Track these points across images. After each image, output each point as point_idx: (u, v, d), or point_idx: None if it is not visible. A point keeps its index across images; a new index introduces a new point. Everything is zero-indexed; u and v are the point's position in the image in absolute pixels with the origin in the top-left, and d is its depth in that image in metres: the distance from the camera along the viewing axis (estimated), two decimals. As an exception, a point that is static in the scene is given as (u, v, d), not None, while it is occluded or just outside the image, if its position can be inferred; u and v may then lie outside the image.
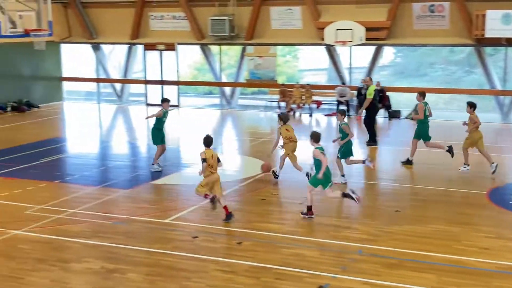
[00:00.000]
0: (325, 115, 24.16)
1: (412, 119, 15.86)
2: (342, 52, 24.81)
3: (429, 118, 15.47)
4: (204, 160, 11.04)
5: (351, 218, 11.69)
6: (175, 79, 26.92)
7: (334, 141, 14.63)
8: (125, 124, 24.48)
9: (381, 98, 22.22)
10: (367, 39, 22.74)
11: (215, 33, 25.12)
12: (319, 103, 24.67)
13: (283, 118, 14.40)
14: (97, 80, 28.98)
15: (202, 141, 11.32)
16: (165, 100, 15.56)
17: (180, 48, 26.68)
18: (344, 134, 13.90)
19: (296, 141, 14.39)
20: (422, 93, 15.53)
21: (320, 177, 11.29)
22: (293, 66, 30.96)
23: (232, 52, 28.77)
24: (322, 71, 28.91)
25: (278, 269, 9.12)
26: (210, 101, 28.72)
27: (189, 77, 29.55)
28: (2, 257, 9.66)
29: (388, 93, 23.71)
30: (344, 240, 10.33)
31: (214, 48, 26.84)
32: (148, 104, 27.47)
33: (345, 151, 14.00)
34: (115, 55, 29.51)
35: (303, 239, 10.44)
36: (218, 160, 11.32)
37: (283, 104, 24.67)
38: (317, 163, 11.38)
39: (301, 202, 12.46)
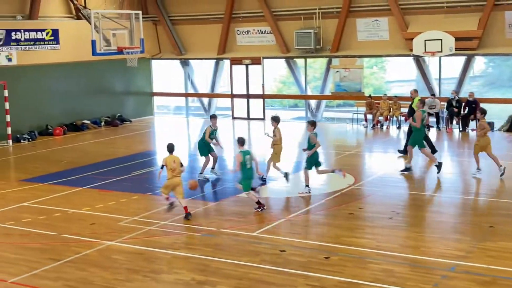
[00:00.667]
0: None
1: (405, 120, 16.49)
2: (431, 62, 24.26)
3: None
4: (162, 167, 12.51)
5: (442, 233, 11.35)
6: (260, 92, 27.17)
7: (304, 150, 14.67)
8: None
9: (473, 110, 21.51)
10: (457, 49, 22.13)
11: (301, 46, 25.20)
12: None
13: (277, 119, 15.21)
14: (186, 95, 29.70)
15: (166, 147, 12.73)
16: (213, 117, 16.31)
17: (265, 61, 26.93)
18: (311, 144, 14.14)
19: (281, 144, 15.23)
20: (422, 101, 16.07)
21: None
22: (380, 78, 30.53)
23: (317, 64, 28.74)
24: (410, 83, 28.33)
25: (367, 285, 8.97)
26: (296, 114, 28.76)
27: (274, 91, 29.74)
28: (97, 267, 10.02)
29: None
30: (435, 257, 10.04)
31: (300, 61, 26.91)
32: (234, 118, 27.85)
33: (311, 162, 14.23)
34: (202, 70, 30.11)
35: (392, 254, 10.22)
36: (182, 165, 12.54)
37: (370, 116, 24.36)
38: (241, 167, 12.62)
39: (391, 217, 12.25)
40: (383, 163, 17.90)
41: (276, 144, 15.28)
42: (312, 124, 14.43)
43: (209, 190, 15.19)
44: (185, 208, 12.47)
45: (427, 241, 10.91)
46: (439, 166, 15.67)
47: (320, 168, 14.44)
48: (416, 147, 16.14)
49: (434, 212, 12.99)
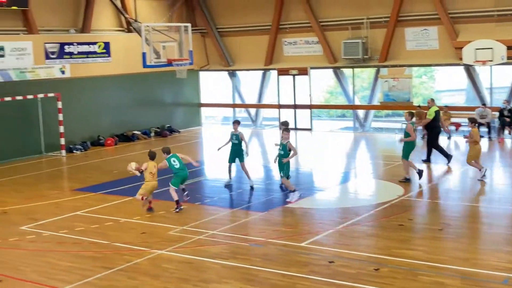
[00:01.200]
0: (464, 137, 23.22)
1: (401, 141, 16.62)
2: (481, 71, 23.85)
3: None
4: (141, 172, 14.05)
5: (495, 245, 11.12)
6: (307, 103, 27.17)
7: (284, 161, 14.84)
8: (259, 148, 25.01)
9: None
10: (509, 57, 21.69)
11: (348, 56, 25.14)
12: (458, 125, 23.81)
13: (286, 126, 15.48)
14: (233, 106, 29.94)
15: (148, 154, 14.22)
16: (234, 122, 16.98)
17: (312, 72, 26.95)
18: (286, 152, 14.59)
19: None
20: (411, 113, 16.31)
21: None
22: (429, 87, 30.19)
23: (365, 74, 28.60)
24: (460, 92, 27.94)
25: (417, 297, 8.87)
26: (343, 124, 28.66)
27: (321, 101, 29.71)
28: (147, 276, 10.19)
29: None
30: (487, 269, 9.86)
31: (347, 71, 26.83)
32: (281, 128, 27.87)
33: (283, 169, 14.67)
34: (249, 80, 30.32)
35: (443, 266, 10.08)
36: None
37: (419, 127, 24.03)
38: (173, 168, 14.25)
39: (441, 228, 12.09)
40: (432, 174, 17.66)
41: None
42: (288, 131, 14.94)
43: (257, 199, 15.26)
44: (150, 202, 14.17)
45: (479, 253, 10.72)
46: (420, 173, 16.15)
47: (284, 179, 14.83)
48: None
49: (486, 223, 12.76)
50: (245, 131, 28.31)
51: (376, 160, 20.11)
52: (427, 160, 18.53)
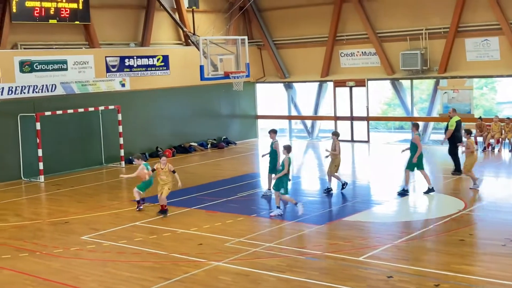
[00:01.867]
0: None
1: (403, 151, 17.09)
2: (546, 82, 23.14)
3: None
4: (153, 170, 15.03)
5: (562, 263, 10.71)
6: (364, 114, 26.91)
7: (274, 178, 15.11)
8: (316, 160, 24.89)
9: None
10: None
11: (407, 67, 24.82)
12: (520, 137, 23.12)
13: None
14: (289, 118, 29.93)
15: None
16: (271, 131, 17.03)
17: (369, 83, 26.70)
18: (283, 167, 14.62)
19: None
20: (416, 124, 16.76)
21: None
22: (491, 99, 29.44)
23: (423, 86, 28.14)
24: (523, 104, 27.15)
25: (480, 315, 8.61)
26: (402, 136, 28.23)
27: (378, 112, 29.37)
28: (204, 287, 10.25)
29: None
30: (554, 288, 9.49)
31: (405, 83, 26.47)
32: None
33: (276, 184, 14.75)
34: (306, 92, 30.28)
35: (505, 283, 9.76)
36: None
37: (480, 139, 23.48)
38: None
39: (504, 244, 11.73)
40: (494, 188, 17.19)
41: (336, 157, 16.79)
42: (287, 148, 14.79)
43: (314, 212, 15.16)
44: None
45: (544, 271, 10.33)
46: (406, 191, 16.34)
47: (283, 195, 14.80)
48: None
49: (552, 240, 12.29)
50: (301, 143, 28.40)
51: (435, 174, 19.69)
52: (458, 171, 18.32)
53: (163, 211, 15.07)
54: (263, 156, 17.39)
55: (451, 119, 18.65)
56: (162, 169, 15.03)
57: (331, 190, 17.02)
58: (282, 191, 14.76)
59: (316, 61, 27.75)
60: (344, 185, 17.08)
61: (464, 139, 17.44)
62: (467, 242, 12.17)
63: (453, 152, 18.42)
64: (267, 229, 13.83)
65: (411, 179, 16.77)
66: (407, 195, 16.36)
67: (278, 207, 14.85)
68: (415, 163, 16.39)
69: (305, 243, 12.53)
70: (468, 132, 16.88)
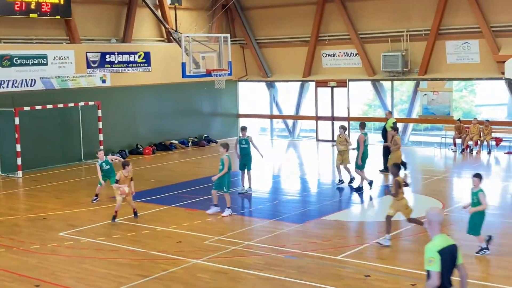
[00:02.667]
0: (505, 153, 22.83)
1: (353, 149, 17.76)
2: (524, 86, 23.40)
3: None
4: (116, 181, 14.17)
5: (537, 264, 10.85)
6: (345, 115, 27.01)
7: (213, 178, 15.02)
8: (297, 160, 24.95)
9: None
10: (553, 72, 21.25)
11: (388, 69, 24.96)
12: (499, 140, 23.37)
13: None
14: (271, 117, 29.95)
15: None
16: (242, 129, 17.64)
17: (351, 84, 26.81)
18: (222, 166, 14.65)
19: None
20: (362, 124, 17.66)
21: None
22: (470, 101, 29.73)
23: (404, 87, 28.31)
24: (502, 106, 27.44)
25: (455, 315, 8.67)
26: (381, 137, 28.34)
27: (359, 113, 29.49)
28: (183, 285, 10.22)
29: None
30: (529, 288, 9.61)
31: (386, 84, 26.62)
32: (318, 140, 27.82)
33: (218, 184, 14.71)
34: (287, 92, 30.32)
35: (482, 284, 9.87)
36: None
37: (459, 140, 23.70)
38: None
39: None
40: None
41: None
42: (225, 147, 15.00)
43: (293, 211, 15.19)
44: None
45: (521, 272, 10.45)
46: (370, 183, 17.04)
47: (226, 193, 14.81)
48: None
49: (528, 241, 12.44)
50: (282, 143, 28.42)
51: (414, 174, 19.85)
52: (386, 170, 18.91)
53: (135, 213, 14.82)
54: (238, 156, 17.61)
55: (388, 121, 19.36)
56: (126, 176, 14.34)
57: (343, 182, 17.80)
58: (224, 189, 14.70)
59: (298, 60, 27.80)
60: (352, 179, 17.78)
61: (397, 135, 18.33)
62: (444, 242, 12.24)
63: (388, 152, 18.97)
64: (247, 227, 13.84)
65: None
66: (361, 192, 16.95)
67: (229, 207, 14.73)
68: (363, 162, 16.95)
69: (284, 241, 12.55)
70: (394, 129, 18.21)
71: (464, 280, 6.87)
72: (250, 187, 17.20)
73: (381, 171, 19.52)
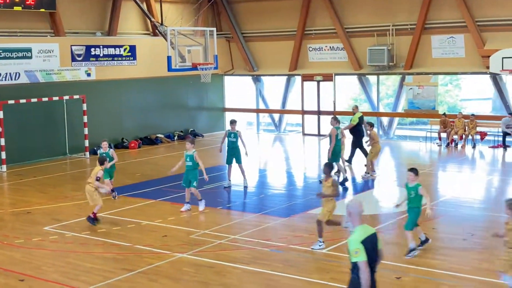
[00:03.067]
0: (490, 147, 23.00)
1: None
2: (508, 80, 23.55)
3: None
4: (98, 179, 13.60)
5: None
6: (331, 109, 27.05)
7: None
8: (283, 154, 24.96)
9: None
10: (537, 66, 21.40)
11: (374, 63, 25.01)
12: (483, 134, 23.53)
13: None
14: (257, 111, 29.93)
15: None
16: (232, 122, 17.52)
17: (337, 78, 26.85)
18: (195, 163, 14.52)
19: None
20: (335, 118, 17.60)
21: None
22: (455, 96, 29.90)
23: (389, 81, 28.41)
24: (486, 101, 27.62)
25: (440, 308, 8.75)
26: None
27: (345, 107, 29.55)
28: (168, 279, 10.20)
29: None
30: None
31: (372, 78, 26.69)
32: (304, 134, 27.85)
33: (187, 180, 14.54)
34: (274, 86, 30.30)
35: (466, 277, 9.94)
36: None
37: (444, 135, 23.83)
38: None
39: (465, 238, 11.93)
40: (457, 183, 17.46)
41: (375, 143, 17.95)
42: (192, 142, 14.95)
43: (279, 205, 15.21)
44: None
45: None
46: (344, 180, 17.20)
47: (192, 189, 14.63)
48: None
49: (512, 235, 12.52)
50: (268, 137, 28.42)
51: (400, 168, 19.94)
52: (349, 161, 19.24)
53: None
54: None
55: (354, 114, 19.70)
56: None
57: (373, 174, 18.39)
58: (195, 184, 14.51)
59: (284, 55, 27.78)
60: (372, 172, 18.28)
61: (368, 131, 18.54)
62: (429, 236, 12.31)
63: (356, 145, 19.41)
64: (232, 221, 13.83)
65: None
66: (345, 185, 17.06)
67: (201, 199, 14.69)
68: (334, 156, 16.94)
69: (270, 235, 12.56)
70: (371, 125, 18.34)
71: (377, 263, 7.14)
72: (245, 179, 17.14)
73: (347, 160, 19.87)
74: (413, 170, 11.17)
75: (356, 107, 20.45)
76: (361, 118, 19.47)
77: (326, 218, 11.68)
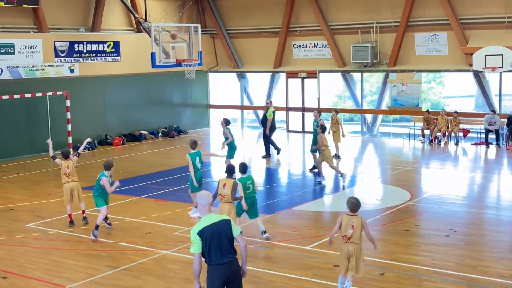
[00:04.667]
0: (472, 144, 23.18)
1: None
2: (491, 78, 23.76)
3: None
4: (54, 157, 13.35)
5: (501, 253, 11.05)
6: (316, 106, 27.10)
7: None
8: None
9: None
10: (519, 64, 21.60)
11: (358, 60, 25.09)
12: (466, 131, 23.71)
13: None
14: (241, 108, 29.92)
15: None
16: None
17: (321, 75, 26.92)
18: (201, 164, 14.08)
19: None
20: (319, 111, 19.00)
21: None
22: (438, 93, 30.10)
23: (373, 79, 28.53)
24: (469, 98, 27.84)
25: (422, 303, 8.82)
26: (351, 128, 28.56)
27: (329, 104, 29.63)
28: (152, 276, 10.19)
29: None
30: (493, 276, 9.80)
31: (356, 75, 26.79)
32: (289, 131, 27.90)
33: (191, 184, 13.81)
34: (258, 83, 30.31)
35: (448, 273, 10.02)
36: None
37: (427, 132, 23.99)
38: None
39: (448, 234, 12.04)
40: (440, 180, 17.59)
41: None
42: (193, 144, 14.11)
43: (263, 202, 15.22)
44: (83, 211, 13.39)
45: (485, 260, 10.65)
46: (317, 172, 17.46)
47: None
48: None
49: (493, 230, 12.68)
50: (253, 134, 28.42)
51: (383, 165, 20.05)
52: (267, 156, 20.73)
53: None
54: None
55: (268, 109, 20.21)
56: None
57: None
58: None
59: (269, 51, 27.79)
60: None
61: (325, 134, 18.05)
62: (412, 232, 12.43)
63: (269, 138, 20.08)
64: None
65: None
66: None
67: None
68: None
69: (254, 232, 12.56)
70: (323, 128, 17.20)
71: (242, 251, 7.34)
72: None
73: (263, 156, 20.95)
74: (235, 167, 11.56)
75: (270, 102, 21.19)
76: (274, 113, 20.44)
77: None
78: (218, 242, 6.97)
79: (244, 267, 7.33)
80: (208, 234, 6.94)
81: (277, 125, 29.23)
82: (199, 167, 13.79)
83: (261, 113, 29.54)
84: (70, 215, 13.33)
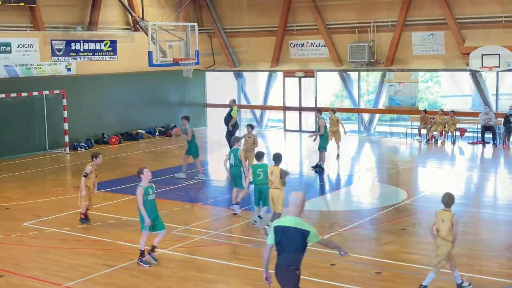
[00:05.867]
0: (469, 143, 23.21)
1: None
2: (488, 77, 23.79)
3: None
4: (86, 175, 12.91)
5: (497, 252, 11.08)
6: (313, 105, 27.12)
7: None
8: (264, 150, 24.93)
9: None
10: (516, 64, 21.65)
11: (355, 59, 25.11)
12: (463, 130, 23.74)
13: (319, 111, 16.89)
14: (238, 107, 29.83)
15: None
16: (184, 117, 18.17)
17: (318, 74, 26.92)
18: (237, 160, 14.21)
19: None
20: (319, 110, 19.03)
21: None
22: (435, 92, 30.14)
23: (370, 78, 28.56)
24: (466, 97, 27.89)
25: (419, 302, 8.83)
26: (348, 127, 28.54)
27: (327, 103, 29.67)
28: (149, 275, 10.19)
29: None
30: (489, 275, 9.83)
31: (353, 74, 26.79)
32: (286, 130, 27.90)
33: (238, 181, 14.14)
34: (255, 82, 30.30)
35: (445, 271, 10.02)
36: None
37: (424, 131, 24.01)
38: None
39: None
40: (437, 179, 17.62)
41: None
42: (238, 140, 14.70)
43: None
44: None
45: (481, 259, 10.67)
46: (317, 166, 17.96)
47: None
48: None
49: (489, 229, 12.71)
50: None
51: (380, 164, 20.07)
52: None
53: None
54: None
55: (231, 108, 20.35)
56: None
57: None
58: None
59: (266, 50, 27.78)
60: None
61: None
62: (408, 231, 12.45)
63: (230, 133, 20.07)
64: (214, 217, 13.83)
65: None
66: None
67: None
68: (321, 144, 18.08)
69: (251, 231, 12.57)
70: (252, 127, 17.20)
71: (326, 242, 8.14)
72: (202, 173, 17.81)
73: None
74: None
75: (234, 100, 21.20)
76: (239, 111, 20.46)
77: None
78: (288, 244, 7.43)
79: (338, 249, 7.91)
80: (279, 233, 7.36)
81: (274, 124, 29.45)
82: (234, 163, 13.98)
83: (258, 112, 29.61)
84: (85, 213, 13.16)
